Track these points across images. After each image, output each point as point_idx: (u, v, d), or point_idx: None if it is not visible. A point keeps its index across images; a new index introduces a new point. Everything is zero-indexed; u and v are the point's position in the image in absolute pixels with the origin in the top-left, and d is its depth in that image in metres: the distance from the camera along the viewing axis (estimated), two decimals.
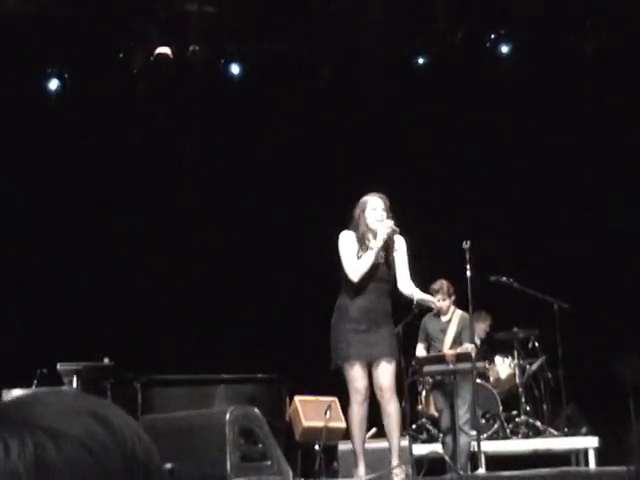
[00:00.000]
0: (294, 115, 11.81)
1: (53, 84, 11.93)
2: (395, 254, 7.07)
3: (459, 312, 8.63)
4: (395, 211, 7.25)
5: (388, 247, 7.02)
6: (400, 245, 7.09)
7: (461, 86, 11.61)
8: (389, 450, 6.92)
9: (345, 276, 6.96)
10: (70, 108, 11.89)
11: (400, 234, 7.10)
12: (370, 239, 6.96)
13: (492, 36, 11.68)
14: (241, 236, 11.60)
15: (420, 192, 11.26)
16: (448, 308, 8.65)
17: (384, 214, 7.00)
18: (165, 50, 11.53)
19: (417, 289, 7.10)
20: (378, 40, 11.55)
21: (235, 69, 12.03)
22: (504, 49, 11.71)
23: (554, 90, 11.39)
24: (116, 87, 11.83)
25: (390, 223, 6.95)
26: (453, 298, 8.65)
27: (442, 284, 8.53)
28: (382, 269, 7.01)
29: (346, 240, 7.04)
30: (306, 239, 7.46)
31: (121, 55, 11.67)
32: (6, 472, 0.92)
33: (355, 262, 6.92)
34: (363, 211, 7.04)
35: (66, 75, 11.91)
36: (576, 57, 11.42)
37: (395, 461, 6.87)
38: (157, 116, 11.90)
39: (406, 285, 7.03)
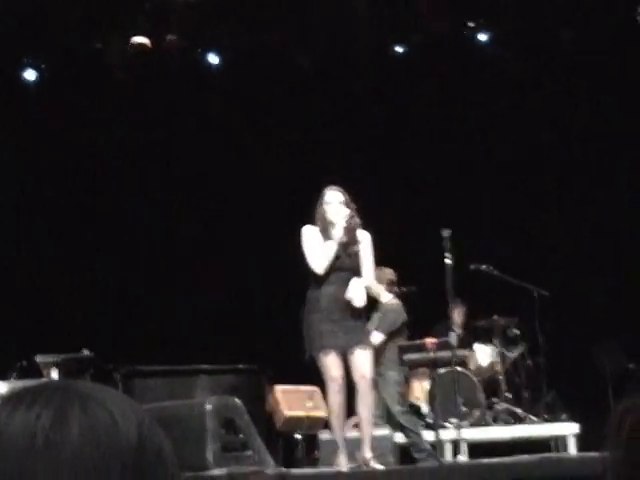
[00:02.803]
0: (273, 104, 11.79)
1: (30, 75, 11.85)
2: (360, 247, 7.12)
3: (386, 301, 8.66)
4: (372, 201, 7.28)
5: (351, 239, 7.07)
6: (363, 239, 7.14)
7: (441, 74, 11.60)
8: (362, 439, 6.92)
9: (310, 269, 7.01)
10: (48, 98, 11.82)
11: (364, 228, 7.15)
12: (331, 231, 7.01)
13: (471, 25, 11.67)
14: (222, 226, 11.57)
15: (400, 181, 11.27)
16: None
17: (340, 207, 7.04)
18: (142, 40, 11.47)
19: (369, 283, 7.13)
20: (358, 29, 11.52)
21: (213, 58, 11.98)
22: (483, 37, 11.70)
23: (533, 78, 11.41)
24: (93, 77, 11.77)
25: (346, 212, 6.99)
26: (390, 286, 8.70)
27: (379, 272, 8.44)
28: (348, 259, 7.05)
29: (308, 234, 7.11)
30: (287, 230, 7.45)
31: (98, 45, 11.60)
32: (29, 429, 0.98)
33: (317, 254, 6.97)
34: (321, 205, 7.10)
35: (43, 66, 11.84)
36: (555, 45, 11.43)
37: (368, 453, 6.86)
38: (135, 105, 11.85)
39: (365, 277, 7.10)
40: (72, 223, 11.68)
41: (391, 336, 8.57)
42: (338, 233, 6.99)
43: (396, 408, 8.49)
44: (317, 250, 7.02)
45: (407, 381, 9.98)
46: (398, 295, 8.87)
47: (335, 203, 7.08)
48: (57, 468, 0.98)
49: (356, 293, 6.94)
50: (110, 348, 9.00)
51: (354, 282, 6.96)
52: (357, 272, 7.06)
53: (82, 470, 0.98)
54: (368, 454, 6.87)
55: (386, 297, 8.60)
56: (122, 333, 10.95)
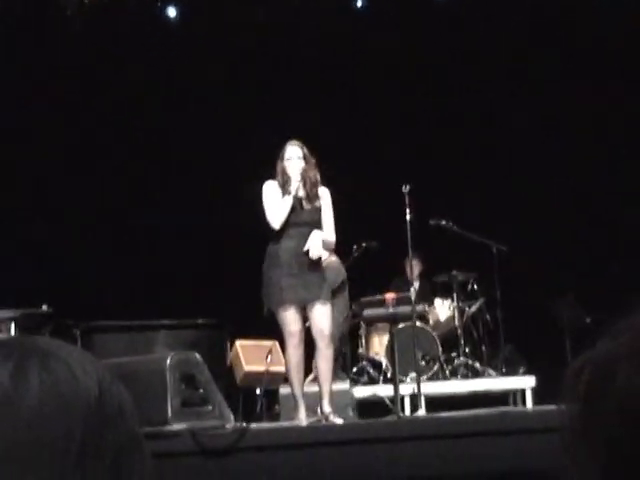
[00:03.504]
0: (232, 57, 11.70)
1: None
2: (321, 202, 7.13)
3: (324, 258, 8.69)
4: (333, 157, 7.28)
5: (312, 194, 7.07)
6: (323, 195, 7.15)
7: (401, 29, 11.55)
8: (320, 395, 6.95)
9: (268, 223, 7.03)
10: (1, 51, 11.65)
11: (324, 184, 7.16)
12: (291, 186, 7.02)
13: None
14: (179, 179, 11.52)
15: (360, 136, 11.25)
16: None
17: (299, 162, 7.04)
18: None
19: (328, 238, 7.13)
20: None
21: (172, 11, 11.86)
22: None
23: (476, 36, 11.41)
24: (49, 30, 11.61)
25: (301, 167, 6.98)
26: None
27: None
28: (307, 214, 7.07)
29: (268, 189, 7.12)
30: (246, 180, 7.45)
31: None
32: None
33: (274, 209, 6.98)
34: (282, 159, 7.10)
35: None
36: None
37: (327, 407, 6.91)
38: (92, 59, 11.71)
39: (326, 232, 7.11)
40: (30, 177, 11.56)
41: (332, 295, 8.59)
42: (293, 188, 6.99)
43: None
44: (274, 205, 7.03)
45: (366, 336, 10.05)
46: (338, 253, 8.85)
47: (295, 158, 7.09)
48: (16, 425, 0.97)
49: (314, 244, 6.96)
50: (69, 304, 8.96)
51: (313, 234, 6.98)
52: (318, 227, 7.09)
53: (42, 426, 0.98)
54: (327, 408, 6.91)
55: (324, 255, 8.62)
56: (81, 289, 10.90)
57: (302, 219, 7.05)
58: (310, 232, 7.01)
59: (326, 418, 6.85)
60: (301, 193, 7.09)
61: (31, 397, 0.98)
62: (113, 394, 1.04)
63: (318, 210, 7.12)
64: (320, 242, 7.00)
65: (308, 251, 6.96)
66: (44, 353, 1.03)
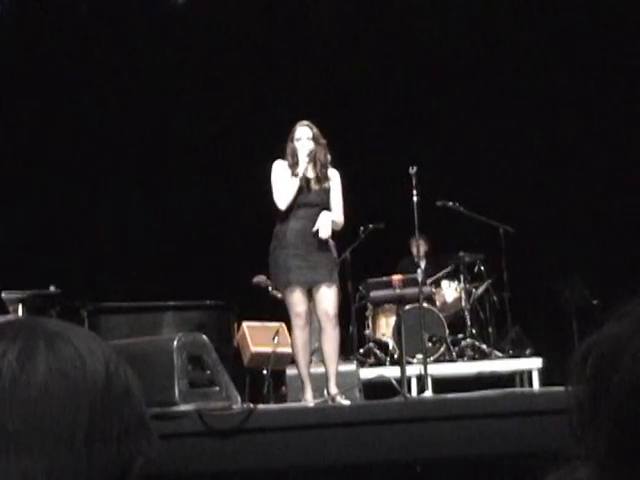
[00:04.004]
0: (240, 41, 11.67)
1: None
2: (330, 184, 7.12)
3: None
4: (338, 137, 7.27)
5: (322, 175, 7.07)
6: (333, 177, 7.15)
7: (409, 9, 11.52)
8: (326, 377, 6.97)
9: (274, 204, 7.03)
10: (8, 31, 11.65)
11: (333, 166, 7.15)
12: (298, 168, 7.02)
13: None
14: (188, 160, 11.51)
15: (367, 117, 11.23)
16: None
17: (310, 142, 7.03)
18: None
19: (337, 219, 7.13)
20: None
21: None
22: None
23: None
24: (57, 10, 11.60)
25: (309, 148, 6.97)
26: None
27: None
28: (315, 195, 7.06)
29: (277, 169, 7.11)
30: (256, 163, 7.45)
31: None
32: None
33: (281, 189, 6.98)
34: (292, 140, 7.09)
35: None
36: None
37: (333, 389, 6.92)
38: (99, 40, 11.69)
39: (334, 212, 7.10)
40: (35, 160, 11.57)
41: None
42: (301, 169, 6.99)
43: None
44: (282, 185, 7.02)
45: (373, 318, 10.05)
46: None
47: (304, 139, 7.07)
48: (24, 406, 0.98)
49: (323, 225, 6.96)
50: (77, 285, 8.98)
51: (323, 214, 6.98)
52: (326, 208, 7.08)
53: (49, 407, 0.98)
54: (334, 390, 6.92)
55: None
56: (89, 270, 10.93)
57: (310, 200, 7.04)
58: (318, 213, 7.01)
59: (332, 399, 6.86)
60: (311, 174, 7.08)
61: (38, 378, 0.99)
62: (120, 375, 1.04)
63: (327, 191, 7.11)
64: (329, 222, 7.00)
65: (316, 232, 6.95)
66: (51, 334, 1.03)
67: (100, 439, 1.00)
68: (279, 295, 8.33)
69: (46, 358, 1.00)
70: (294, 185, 6.98)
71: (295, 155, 7.05)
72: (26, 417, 0.97)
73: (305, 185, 7.04)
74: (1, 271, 9.89)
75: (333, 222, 7.05)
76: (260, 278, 8.85)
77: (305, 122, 7.15)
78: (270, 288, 8.70)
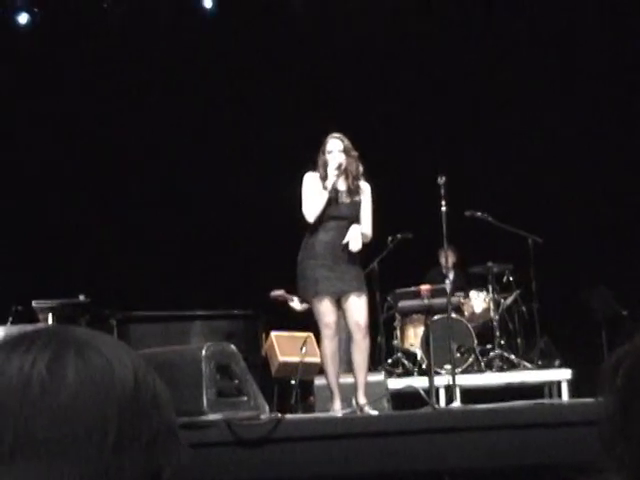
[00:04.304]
0: (270, 49, 11.70)
1: (23, 18, 11.77)
2: (362, 197, 7.12)
3: None
4: (368, 149, 7.27)
5: (354, 187, 7.06)
6: (364, 189, 7.15)
7: (437, 19, 11.52)
8: (355, 386, 6.96)
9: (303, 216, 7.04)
10: (41, 42, 11.73)
11: (365, 180, 7.15)
12: (327, 181, 7.02)
13: None
14: (215, 171, 11.54)
15: (396, 127, 11.23)
16: None
17: (341, 155, 7.03)
18: None
19: (366, 232, 7.13)
20: None
21: (207, 3, 11.89)
22: None
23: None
24: (87, 20, 11.68)
25: (338, 160, 6.96)
26: None
27: None
28: (345, 208, 7.05)
29: (308, 181, 7.11)
30: (281, 172, 7.48)
31: None
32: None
33: (310, 202, 6.98)
34: (323, 152, 7.09)
35: (36, 9, 11.75)
36: None
37: (362, 399, 6.91)
38: (129, 50, 11.76)
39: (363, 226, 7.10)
40: (67, 169, 11.64)
41: None
42: (329, 183, 6.98)
43: None
44: (311, 198, 7.02)
45: (401, 328, 10.04)
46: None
47: (335, 151, 7.07)
48: (54, 414, 0.98)
49: (354, 237, 6.96)
50: (106, 294, 9.02)
51: (353, 227, 6.99)
52: (356, 221, 7.07)
53: (78, 416, 0.99)
54: (362, 400, 6.92)
55: None
56: (119, 279, 10.97)
57: (341, 213, 7.04)
58: (348, 226, 7.00)
59: (361, 409, 6.86)
60: (342, 186, 7.08)
61: (68, 387, 0.99)
62: (149, 384, 1.05)
63: (357, 204, 7.09)
64: (360, 235, 7.00)
65: (346, 245, 6.95)
66: (80, 343, 1.03)
67: (129, 447, 1.00)
68: (298, 308, 8.35)
69: (75, 366, 1.00)
70: (323, 198, 6.98)
71: (326, 167, 7.05)
72: (56, 425, 0.98)
73: (335, 197, 7.03)
74: (32, 280, 9.98)
75: (362, 235, 7.05)
76: (277, 293, 8.86)
77: (337, 134, 7.14)
78: (289, 302, 8.73)
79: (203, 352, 6.23)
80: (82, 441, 0.98)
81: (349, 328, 7.09)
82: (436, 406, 7.42)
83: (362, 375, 6.98)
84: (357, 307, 6.96)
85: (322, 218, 7.00)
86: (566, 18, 11.27)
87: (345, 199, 7.08)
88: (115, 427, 0.99)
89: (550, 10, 11.28)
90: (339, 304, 7.03)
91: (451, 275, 9.64)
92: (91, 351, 1.02)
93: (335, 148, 7.07)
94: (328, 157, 7.06)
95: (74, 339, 1.04)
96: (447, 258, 9.37)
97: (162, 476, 1.04)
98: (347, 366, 7.62)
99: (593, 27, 11.17)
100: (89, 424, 0.98)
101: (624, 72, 10.98)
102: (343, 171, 7.04)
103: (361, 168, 7.15)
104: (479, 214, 9.50)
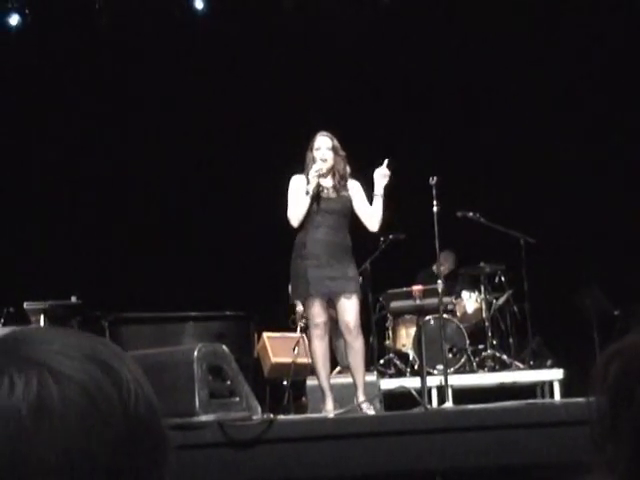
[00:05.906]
0: (261, 50, 11.70)
1: (13, 20, 11.74)
2: (353, 195, 7.10)
3: None
4: (359, 148, 7.27)
5: (339, 185, 7.06)
6: (354, 187, 7.14)
7: (425, 22, 11.52)
8: (354, 386, 6.96)
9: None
10: (32, 44, 11.71)
11: (353, 177, 7.15)
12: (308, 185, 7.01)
13: None
14: (205, 169, 11.54)
15: (387, 128, 11.22)
16: None
17: (329, 153, 7.03)
18: None
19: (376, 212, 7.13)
20: None
21: (198, 3, 11.88)
22: None
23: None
24: (78, 22, 11.66)
25: (325, 157, 6.98)
26: None
27: None
28: (333, 202, 7.04)
29: (294, 185, 7.11)
30: (271, 173, 7.48)
31: None
32: (8, 408, 0.92)
33: (294, 204, 6.99)
34: (311, 149, 7.10)
35: (27, 10, 11.72)
36: None
37: (361, 397, 6.92)
38: (120, 51, 11.75)
39: (368, 216, 7.07)
40: (58, 171, 11.62)
41: None
42: (310, 187, 6.96)
43: None
44: (295, 202, 7.02)
45: (393, 328, 10.04)
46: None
47: (324, 148, 7.07)
48: (38, 450, 0.94)
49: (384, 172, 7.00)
50: (98, 295, 9.00)
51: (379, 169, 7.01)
52: (346, 216, 7.07)
53: (65, 441, 0.94)
54: (361, 398, 6.91)
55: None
56: (110, 280, 10.96)
57: (329, 207, 7.03)
58: (337, 221, 7.00)
59: (360, 408, 6.86)
60: (328, 183, 7.07)
61: (52, 411, 0.95)
62: (136, 394, 1.01)
63: (345, 199, 7.08)
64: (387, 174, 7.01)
65: (335, 241, 6.95)
66: (47, 368, 0.97)
67: (124, 465, 0.96)
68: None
69: (52, 392, 0.96)
70: (305, 202, 6.97)
71: (312, 164, 7.05)
72: (43, 459, 0.93)
73: (320, 194, 7.00)
74: (23, 282, 9.96)
75: (372, 215, 7.03)
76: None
77: (325, 132, 7.15)
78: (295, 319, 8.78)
79: (195, 353, 6.22)
80: (71, 466, 0.94)
81: (340, 329, 7.09)
82: (428, 406, 7.42)
83: (359, 376, 6.97)
84: (347, 308, 6.95)
85: (310, 215, 6.98)
86: (566, 18, 11.28)
87: (332, 194, 7.07)
88: (104, 456, 0.95)
89: (550, 10, 11.29)
90: (330, 304, 7.03)
91: (442, 275, 9.64)
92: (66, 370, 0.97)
93: (323, 145, 7.07)
94: (316, 154, 7.06)
95: (36, 360, 0.98)
96: (442, 261, 9.39)
97: None
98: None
99: (593, 27, 11.17)
100: (78, 449, 0.94)
101: (621, 72, 10.99)
102: (330, 170, 7.04)
103: (348, 168, 7.15)
104: (471, 214, 9.51)
